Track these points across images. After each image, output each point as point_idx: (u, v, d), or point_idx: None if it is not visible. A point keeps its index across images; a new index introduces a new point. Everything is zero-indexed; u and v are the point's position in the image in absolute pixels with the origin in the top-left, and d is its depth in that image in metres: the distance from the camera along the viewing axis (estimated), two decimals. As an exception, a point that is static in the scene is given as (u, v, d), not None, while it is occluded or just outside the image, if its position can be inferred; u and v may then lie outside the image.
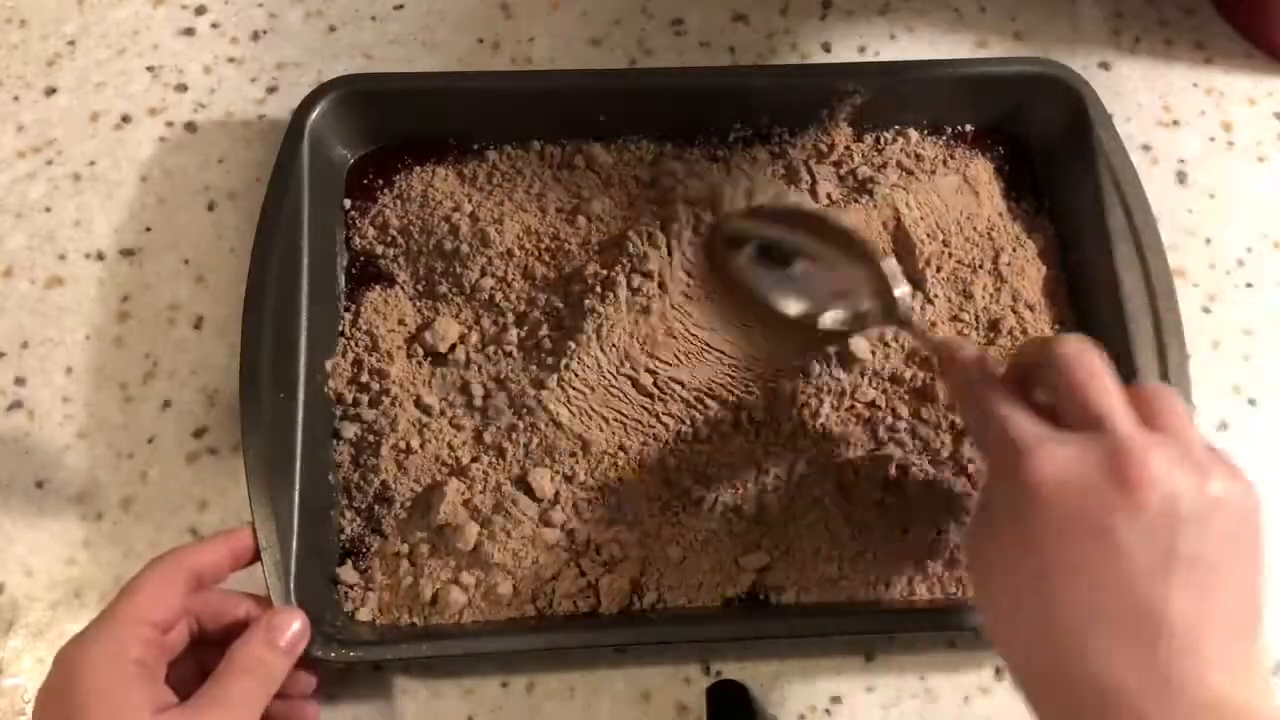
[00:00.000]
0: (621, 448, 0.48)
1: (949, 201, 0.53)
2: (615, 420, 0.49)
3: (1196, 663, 0.31)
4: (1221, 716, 0.31)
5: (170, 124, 0.57)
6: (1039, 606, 0.34)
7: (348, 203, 0.53)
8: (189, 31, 0.59)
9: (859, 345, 0.49)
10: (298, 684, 0.44)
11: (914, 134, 0.55)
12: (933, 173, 0.54)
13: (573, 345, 0.49)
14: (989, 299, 0.52)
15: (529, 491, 0.47)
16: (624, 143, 0.54)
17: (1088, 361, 0.36)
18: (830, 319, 0.48)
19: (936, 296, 0.51)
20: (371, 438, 0.49)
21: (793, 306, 0.48)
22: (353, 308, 0.51)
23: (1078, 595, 0.33)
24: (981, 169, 0.55)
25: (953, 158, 0.55)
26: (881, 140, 0.55)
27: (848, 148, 0.54)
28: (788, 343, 0.49)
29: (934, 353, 0.47)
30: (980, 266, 0.52)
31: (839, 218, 0.48)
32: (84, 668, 0.37)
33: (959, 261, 0.52)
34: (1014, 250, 0.52)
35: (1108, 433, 0.34)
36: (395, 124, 0.54)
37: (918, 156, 0.54)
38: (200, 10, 0.60)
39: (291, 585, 0.44)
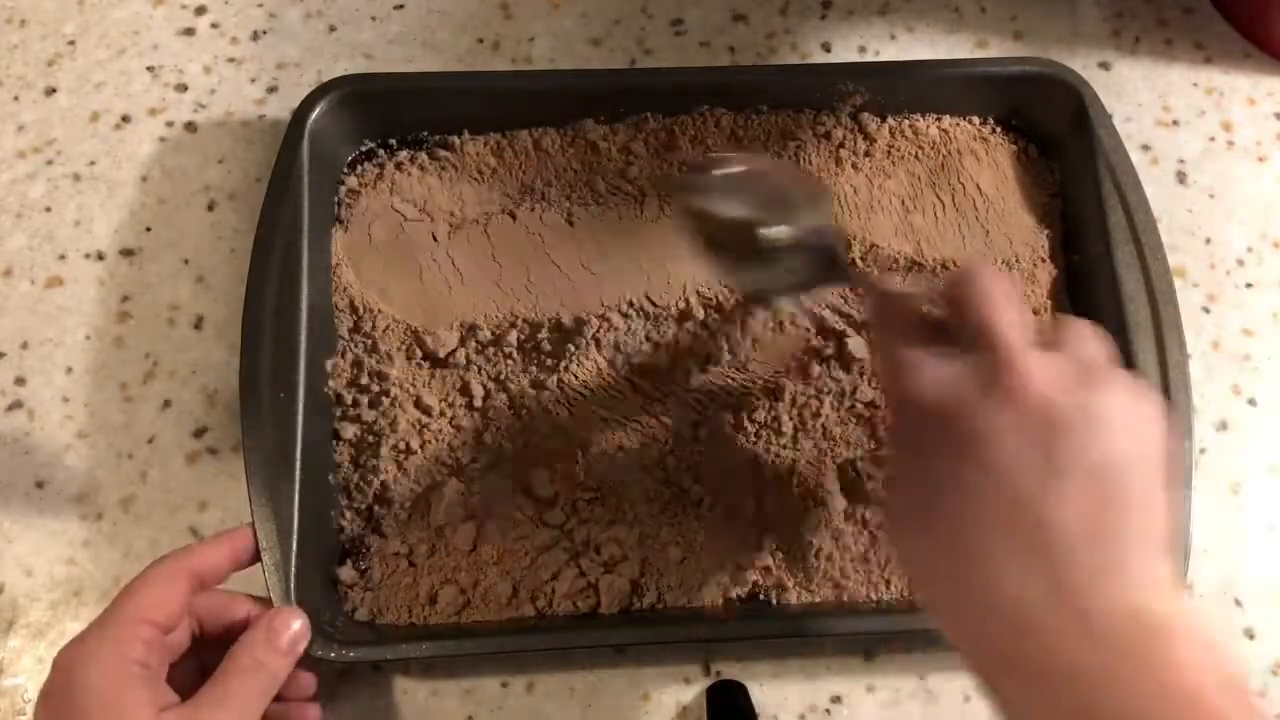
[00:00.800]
0: (621, 448, 0.48)
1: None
2: (615, 421, 0.49)
3: (1098, 574, 0.30)
4: (1132, 628, 0.30)
5: (170, 124, 0.57)
6: (943, 533, 0.32)
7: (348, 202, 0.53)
8: (189, 31, 0.59)
9: (857, 345, 0.49)
10: (298, 685, 0.44)
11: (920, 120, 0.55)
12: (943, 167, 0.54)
13: (572, 347, 0.49)
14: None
15: (529, 491, 0.47)
16: (624, 141, 0.54)
17: (984, 281, 0.35)
18: (773, 231, 0.45)
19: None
20: (371, 438, 0.49)
21: (736, 210, 0.45)
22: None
23: (973, 512, 0.32)
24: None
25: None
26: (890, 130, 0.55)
27: (843, 145, 0.55)
28: (751, 266, 0.46)
29: (861, 286, 0.46)
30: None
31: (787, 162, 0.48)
32: (85, 668, 0.37)
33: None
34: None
35: (993, 347, 0.33)
36: (395, 124, 0.54)
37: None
38: (200, 10, 0.60)
39: (291, 585, 0.44)
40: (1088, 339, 0.34)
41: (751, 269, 0.44)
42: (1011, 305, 0.34)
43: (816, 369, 0.49)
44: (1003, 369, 0.32)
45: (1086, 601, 0.30)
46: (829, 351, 0.49)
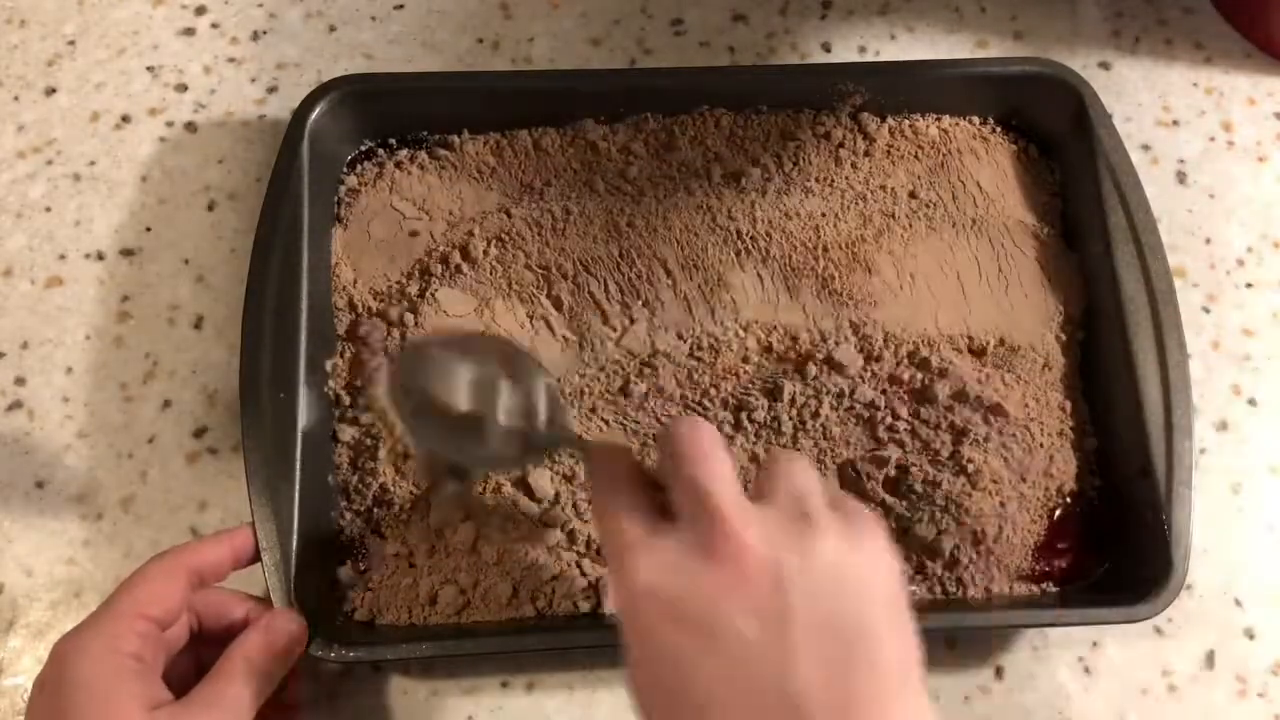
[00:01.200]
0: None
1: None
2: (615, 421, 0.49)
3: None
4: None
5: (170, 124, 0.57)
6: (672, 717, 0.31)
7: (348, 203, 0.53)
8: (189, 31, 0.59)
9: (844, 353, 0.49)
10: (291, 688, 0.43)
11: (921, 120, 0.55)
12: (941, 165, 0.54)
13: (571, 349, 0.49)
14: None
15: (529, 492, 0.47)
16: (624, 141, 0.54)
17: (695, 439, 0.34)
18: (504, 415, 0.42)
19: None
20: (369, 441, 0.49)
21: (466, 404, 0.42)
22: (353, 308, 0.51)
23: (720, 697, 0.30)
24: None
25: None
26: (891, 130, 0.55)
27: (842, 144, 0.55)
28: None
29: (581, 452, 0.44)
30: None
31: (498, 335, 0.46)
32: (78, 660, 0.37)
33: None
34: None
35: (705, 509, 0.32)
36: (395, 124, 0.54)
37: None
38: (200, 10, 0.60)
39: (291, 585, 0.44)
40: (797, 475, 0.33)
41: (466, 443, 0.42)
42: (718, 457, 0.33)
43: (813, 370, 0.49)
44: (718, 535, 0.31)
45: None
46: (820, 357, 0.49)
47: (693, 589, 0.31)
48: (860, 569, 0.32)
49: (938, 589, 0.47)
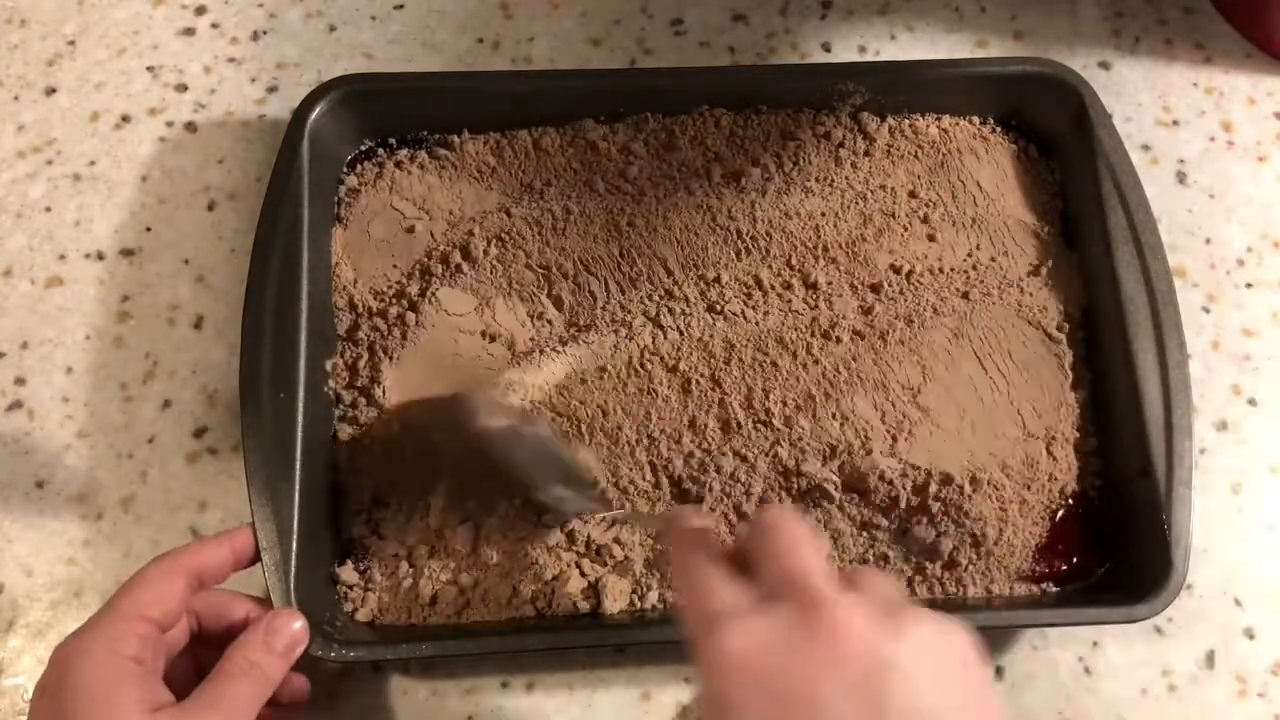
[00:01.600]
0: (622, 446, 0.48)
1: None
2: (616, 420, 0.49)
3: None
4: None
5: (170, 124, 0.57)
6: None
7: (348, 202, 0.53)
8: (189, 31, 0.59)
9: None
10: (292, 688, 0.43)
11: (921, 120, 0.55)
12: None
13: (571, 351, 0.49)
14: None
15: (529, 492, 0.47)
16: (624, 141, 0.54)
17: (788, 528, 0.34)
18: (554, 495, 0.45)
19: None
20: (368, 440, 0.49)
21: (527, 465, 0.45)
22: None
23: None
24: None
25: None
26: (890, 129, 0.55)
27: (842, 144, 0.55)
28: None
29: (658, 527, 0.46)
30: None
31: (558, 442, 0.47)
32: (79, 663, 0.37)
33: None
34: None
35: (802, 592, 0.32)
36: (395, 123, 0.54)
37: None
38: (200, 10, 0.60)
39: (291, 585, 0.44)
40: (879, 582, 0.34)
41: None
42: (815, 552, 0.33)
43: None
44: (817, 614, 0.31)
45: None
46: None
47: (791, 666, 0.30)
48: (952, 661, 0.32)
49: (938, 589, 0.47)
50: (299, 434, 0.47)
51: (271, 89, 0.58)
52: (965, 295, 0.51)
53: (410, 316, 0.50)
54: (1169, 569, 0.46)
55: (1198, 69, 0.60)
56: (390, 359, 0.50)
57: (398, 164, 0.54)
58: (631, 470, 0.47)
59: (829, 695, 0.30)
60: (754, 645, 0.31)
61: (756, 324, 0.50)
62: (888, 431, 0.48)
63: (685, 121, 0.54)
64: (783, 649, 0.31)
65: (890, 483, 0.47)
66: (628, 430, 0.48)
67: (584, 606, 0.46)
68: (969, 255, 0.53)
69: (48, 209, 0.55)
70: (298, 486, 0.46)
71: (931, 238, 0.53)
